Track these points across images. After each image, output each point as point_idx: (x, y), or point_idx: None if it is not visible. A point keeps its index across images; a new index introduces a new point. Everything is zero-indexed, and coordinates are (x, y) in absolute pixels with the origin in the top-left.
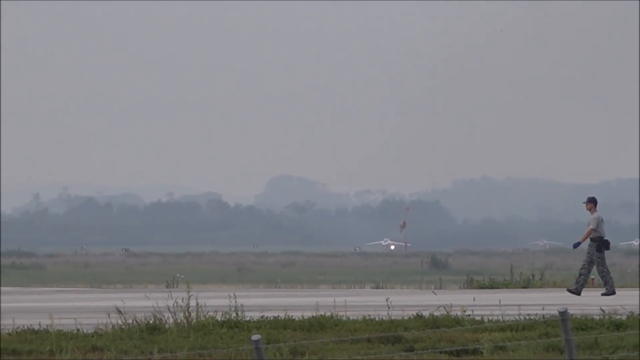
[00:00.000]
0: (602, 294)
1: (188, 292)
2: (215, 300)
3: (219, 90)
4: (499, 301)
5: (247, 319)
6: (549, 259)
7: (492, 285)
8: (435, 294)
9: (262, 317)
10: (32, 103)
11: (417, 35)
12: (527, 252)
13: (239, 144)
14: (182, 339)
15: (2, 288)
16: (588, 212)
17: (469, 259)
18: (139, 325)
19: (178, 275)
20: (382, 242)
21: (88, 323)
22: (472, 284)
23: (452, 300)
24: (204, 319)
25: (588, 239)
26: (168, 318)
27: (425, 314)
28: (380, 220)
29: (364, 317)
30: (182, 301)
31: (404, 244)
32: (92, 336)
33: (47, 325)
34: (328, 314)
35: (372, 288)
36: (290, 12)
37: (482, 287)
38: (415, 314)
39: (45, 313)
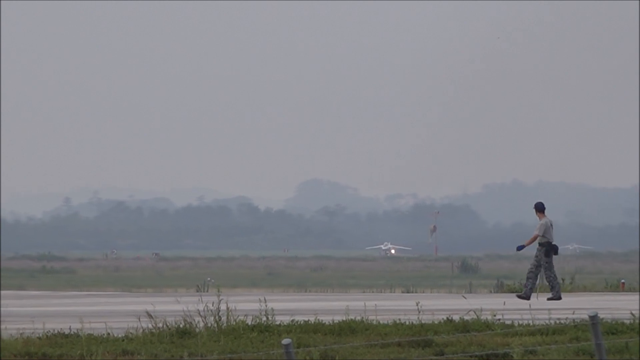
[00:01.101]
0: (548, 299)
1: (218, 296)
2: (245, 304)
3: (250, 94)
4: (529, 305)
5: (278, 323)
6: (579, 262)
7: (523, 290)
8: (465, 298)
9: (292, 321)
10: (63, 107)
11: (448, 38)
12: (558, 256)
13: (269, 148)
14: (213, 342)
15: (33, 292)
16: (537, 217)
17: (499, 263)
18: (170, 329)
19: (208, 279)
20: (382, 246)
21: (118, 327)
22: (503, 288)
23: (482, 304)
24: (234, 323)
25: (536, 244)
26: (198, 322)
27: (456, 318)
28: (410, 225)
29: (394, 321)
30: (213, 305)
31: (406, 248)
32: (123, 340)
33: (77, 330)
34: (358, 318)
35: (402, 292)
36: (318, 15)
37: (512, 291)
38: (445, 318)
39: (75, 317)
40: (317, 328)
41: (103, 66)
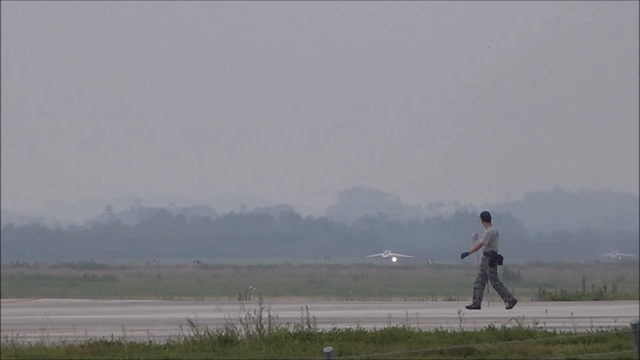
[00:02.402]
0: (506, 307)
1: (260, 304)
2: (287, 312)
3: (292, 104)
4: (571, 313)
5: (319, 331)
6: (621, 271)
7: (564, 298)
8: (507, 306)
9: (334, 329)
10: (106, 117)
11: (486, 45)
12: (600, 264)
13: (311, 156)
14: (254, 351)
15: (75, 300)
16: (483, 227)
17: (541, 271)
18: (211, 337)
19: (250, 287)
20: (382, 254)
21: (160, 335)
22: (544, 296)
23: (524, 312)
24: (276, 331)
25: (481, 252)
26: (240, 330)
27: (497, 326)
28: (452, 233)
29: (436, 329)
30: (255, 313)
31: (408, 256)
32: (164, 348)
33: (119, 337)
34: (400, 326)
35: (444, 300)
36: (358, 17)
37: (554, 299)
38: (487, 326)
39: (117, 325)
40: (358, 336)
41: (143, 76)
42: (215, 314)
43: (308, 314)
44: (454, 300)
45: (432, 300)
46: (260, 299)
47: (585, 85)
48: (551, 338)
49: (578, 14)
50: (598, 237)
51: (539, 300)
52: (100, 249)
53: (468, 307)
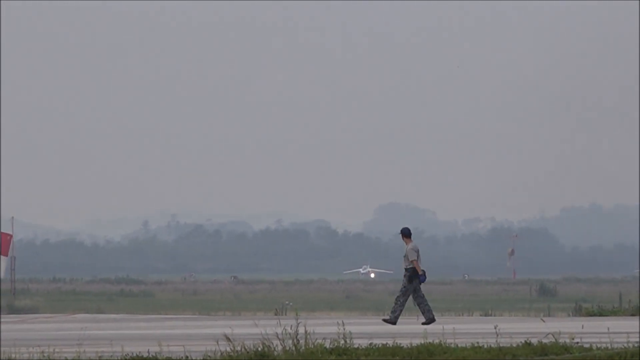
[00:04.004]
0: (422, 323)
1: (297, 319)
2: (323, 328)
3: (329, 119)
4: (608, 329)
5: (356, 346)
6: None
7: (601, 313)
8: (543, 321)
9: (370, 344)
10: (141, 131)
11: (525, 57)
12: (636, 279)
13: (348, 172)
14: None
15: (111, 315)
16: (404, 243)
17: (577, 287)
18: (248, 352)
19: (286, 302)
20: (360, 269)
21: (197, 350)
22: (581, 311)
23: (560, 327)
24: (312, 346)
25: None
26: (277, 345)
27: (534, 341)
28: (488, 248)
29: (472, 345)
30: (291, 328)
31: (387, 271)
32: None
33: (156, 353)
34: (436, 341)
35: (480, 315)
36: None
37: (590, 314)
38: (523, 341)
39: (154, 340)
40: (395, 351)
41: (179, 94)
42: (251, 329)
43: (344, 329)
44: (490, 315)
45: (468, 315)
46: (297, 314)
47: (622, 100)
48: (588, 353)
49: (628, 25)
50: (634, 252)
51: (575, 315)
52: (136, 265)
53: (384, 320)
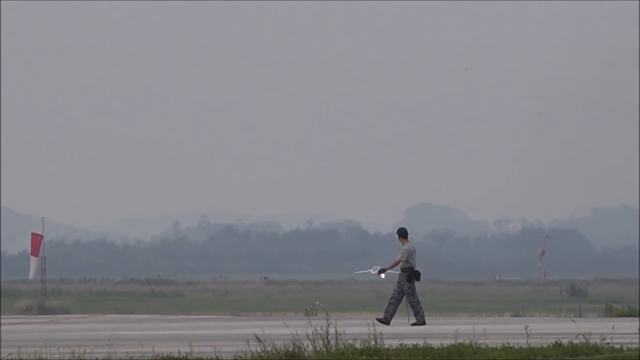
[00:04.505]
0: (412, 324)
1: (327, 319)
2: (354, 328)
3: (360, 119)
4: (639, 329)
5: (386, 346)
6: None
7: (631, 313)
8: (574, 322)
9: (400, 344)
10: (173, 132)
11: (552, 59)
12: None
13: (378, 172)
14: None
15: (141, 315)
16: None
17: (608, 287)
18: (278, 353)
19: (317, 303)
20: (371, 270)
21: (227, 351)
22: (611, 312)
23: (591, 328)
24: (343, 347)
25: (399, 268)
26: (307, 346)
27: (565, 342)
28: (519, 249)
29: (503, 345)
30: (321, 329)
31: (397, 272)
32: None
33: (186, 353)
34: (467, 342)
35: (511, 316)
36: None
37: (621, 315)
38: (554, 342)
39: (184, 340)
40: (425, 352)
41: (209, 91)
42: (282, 330)
43: (375, 329)
44: (521, 316)
45: (499, 316)
46: (327, 315)
47: None
48: (618, 354)
49: None
50: None
51: (606, 316)
52: (167, 265)
53: (378, 320)
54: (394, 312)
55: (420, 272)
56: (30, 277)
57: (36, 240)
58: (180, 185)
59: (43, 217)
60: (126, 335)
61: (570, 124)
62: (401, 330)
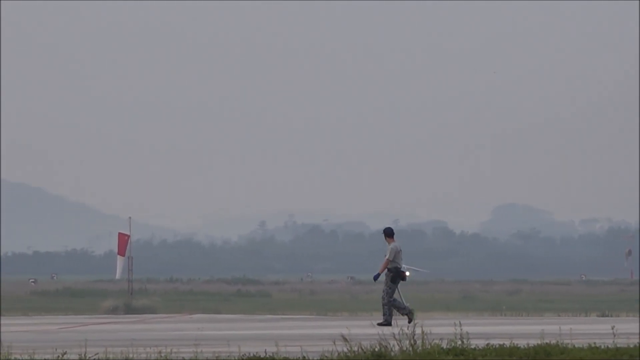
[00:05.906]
0: (378, 324)
1: (414, 319)
2: (440, 328)
3: (447, 119)
4: None
5: (473, 346)
6: None
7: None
8: None
9: (487, 344)
10: (259, 134)
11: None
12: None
13: (465, 172)
14: None
15: (228, 315)
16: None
17: None
18: (365, 352)
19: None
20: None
21: (313, 350)
22: None
23: None
24: (429, 347)
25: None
26: (394, 346)
27: None
28: (605, 249)
29: (589, 345)
30: (408, 329)
31: (421, 270)
32: None
33: (273, 353)
34: (553, 342)
35: (597, 316)
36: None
37: None
38: None
39: (271, 340)
40: (512, 352)
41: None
42: (368, 330)
43: (461, 329)
44: (608, 316)
45: (585, 316)
46: (413, 315)
47: None
48: None
49: None
50: None
51: None
52: (253, 265)
53: (379, 324)
54: (392, 312)
55: (406, 272)
56: (117, 276)
57: (123, 240)
58: (267, 186)
59: (130, 217)
60: (212, 335)
61: None
62: (487, 330)
